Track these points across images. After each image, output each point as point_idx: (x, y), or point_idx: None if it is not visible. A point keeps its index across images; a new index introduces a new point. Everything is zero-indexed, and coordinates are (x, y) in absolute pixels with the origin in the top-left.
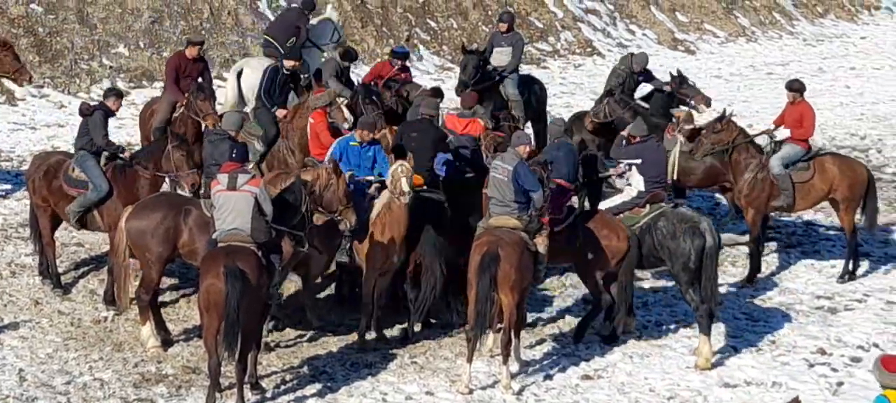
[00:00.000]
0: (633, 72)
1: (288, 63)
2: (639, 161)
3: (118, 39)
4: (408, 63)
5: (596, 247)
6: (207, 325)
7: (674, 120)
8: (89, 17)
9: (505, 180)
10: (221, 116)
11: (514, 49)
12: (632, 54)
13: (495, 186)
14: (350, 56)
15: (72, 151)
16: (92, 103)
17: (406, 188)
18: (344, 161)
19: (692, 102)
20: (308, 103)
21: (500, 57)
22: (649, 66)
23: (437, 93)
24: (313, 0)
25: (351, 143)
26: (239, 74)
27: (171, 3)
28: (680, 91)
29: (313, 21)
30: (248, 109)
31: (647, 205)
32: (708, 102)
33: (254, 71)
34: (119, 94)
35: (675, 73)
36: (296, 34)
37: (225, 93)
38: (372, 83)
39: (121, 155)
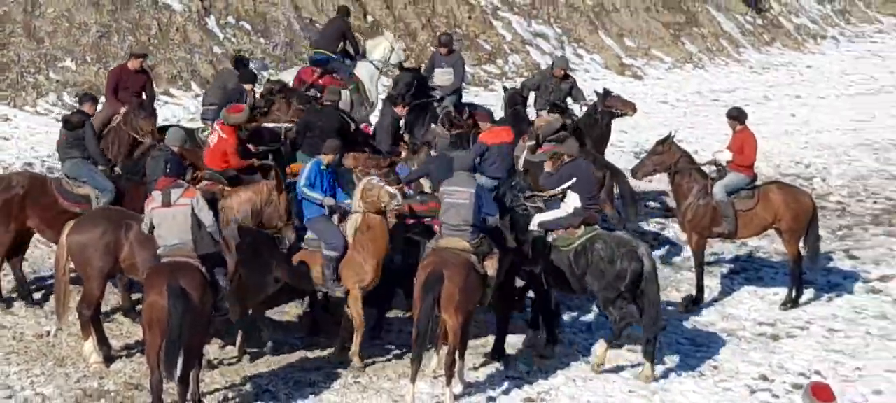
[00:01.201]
0: (553, 76)
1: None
2: (573, 180)
3: (65, 53)
4: (328, 68)
5: None
6: (150, 342)
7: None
8: (36, 30)
9: (467, 204)
10: (163, 132)
11: (455, 69)
12: (554, 59)
13: (454, 210)
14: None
15: (20, 168)
16: (71, 113)
17: (394, 192)
18: (317, 185)
19: (618, 111)
20: (223, 118)
21: (442, 77)
22: (582, 85)
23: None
24: (347, 6)
25: (321, 167)
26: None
27: (119, 19)
28: (605, 103)
29: (371, 41)
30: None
31: (582, 227)
32: (633, 108)
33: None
34: (94, 100)
35: (599, 91)
36: (342, 40)
37: None
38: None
39: (115, 167)
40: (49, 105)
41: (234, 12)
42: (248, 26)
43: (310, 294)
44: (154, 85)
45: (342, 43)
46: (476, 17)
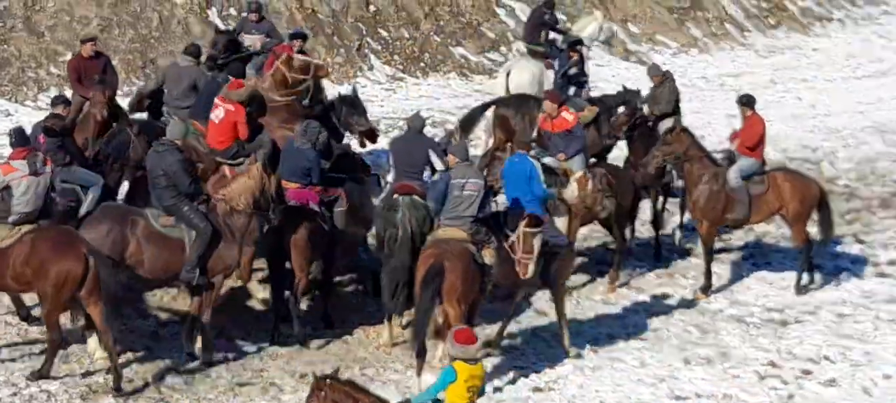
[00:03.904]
0: (652, 83)
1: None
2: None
3: (66, 47)
4: (304, 45)
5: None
6: (55, 303)
7: None
8: (37, 24)
9: (475, 195)
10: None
11: (271, 34)
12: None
13: (463, 202)
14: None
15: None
16: (48, 119)
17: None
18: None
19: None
20: (224, 95)
21: (252, 40)
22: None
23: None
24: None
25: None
26: (508, 74)
27: (120, 12)
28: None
29: (581, 21)
30: None
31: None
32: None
33: (521, 72)
34: (66, 101)
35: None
36: (542, 28)
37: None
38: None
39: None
40: (50, 100)
41: (235, 3)
42: (250, 17)
43: (323, 286)
44: (114, 67)
45: (543, 31)
46: (479, 4)
